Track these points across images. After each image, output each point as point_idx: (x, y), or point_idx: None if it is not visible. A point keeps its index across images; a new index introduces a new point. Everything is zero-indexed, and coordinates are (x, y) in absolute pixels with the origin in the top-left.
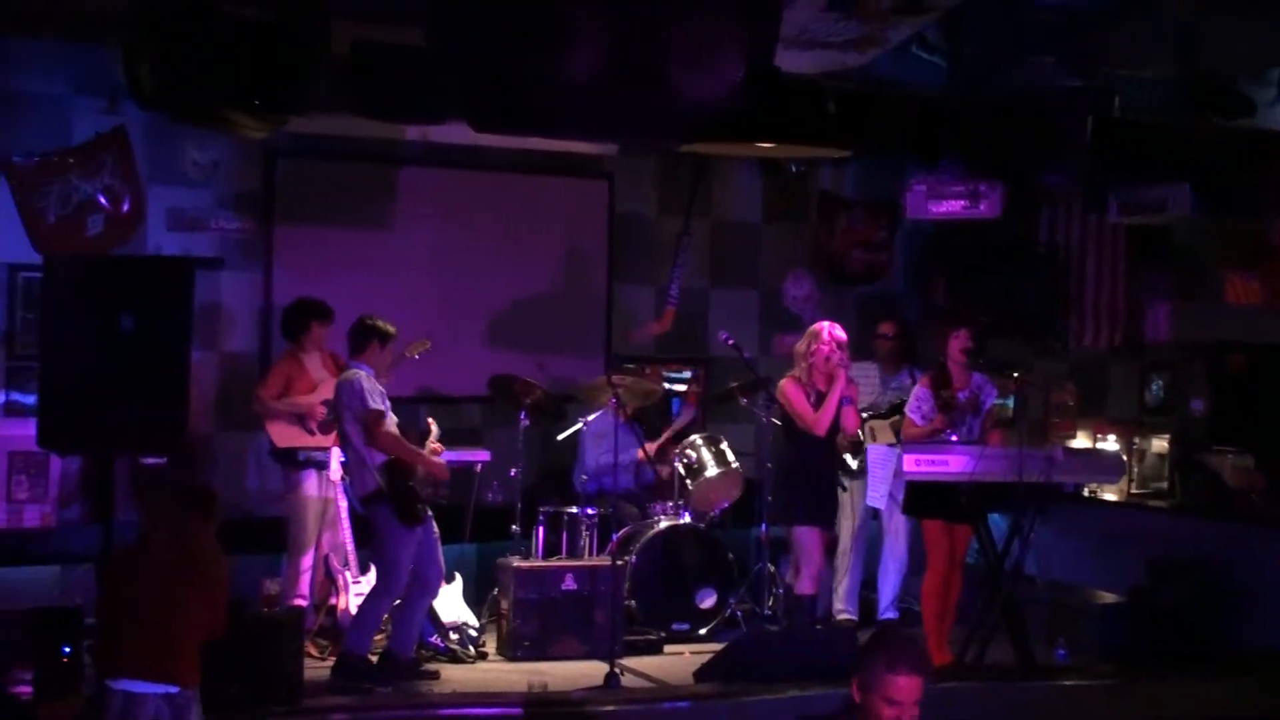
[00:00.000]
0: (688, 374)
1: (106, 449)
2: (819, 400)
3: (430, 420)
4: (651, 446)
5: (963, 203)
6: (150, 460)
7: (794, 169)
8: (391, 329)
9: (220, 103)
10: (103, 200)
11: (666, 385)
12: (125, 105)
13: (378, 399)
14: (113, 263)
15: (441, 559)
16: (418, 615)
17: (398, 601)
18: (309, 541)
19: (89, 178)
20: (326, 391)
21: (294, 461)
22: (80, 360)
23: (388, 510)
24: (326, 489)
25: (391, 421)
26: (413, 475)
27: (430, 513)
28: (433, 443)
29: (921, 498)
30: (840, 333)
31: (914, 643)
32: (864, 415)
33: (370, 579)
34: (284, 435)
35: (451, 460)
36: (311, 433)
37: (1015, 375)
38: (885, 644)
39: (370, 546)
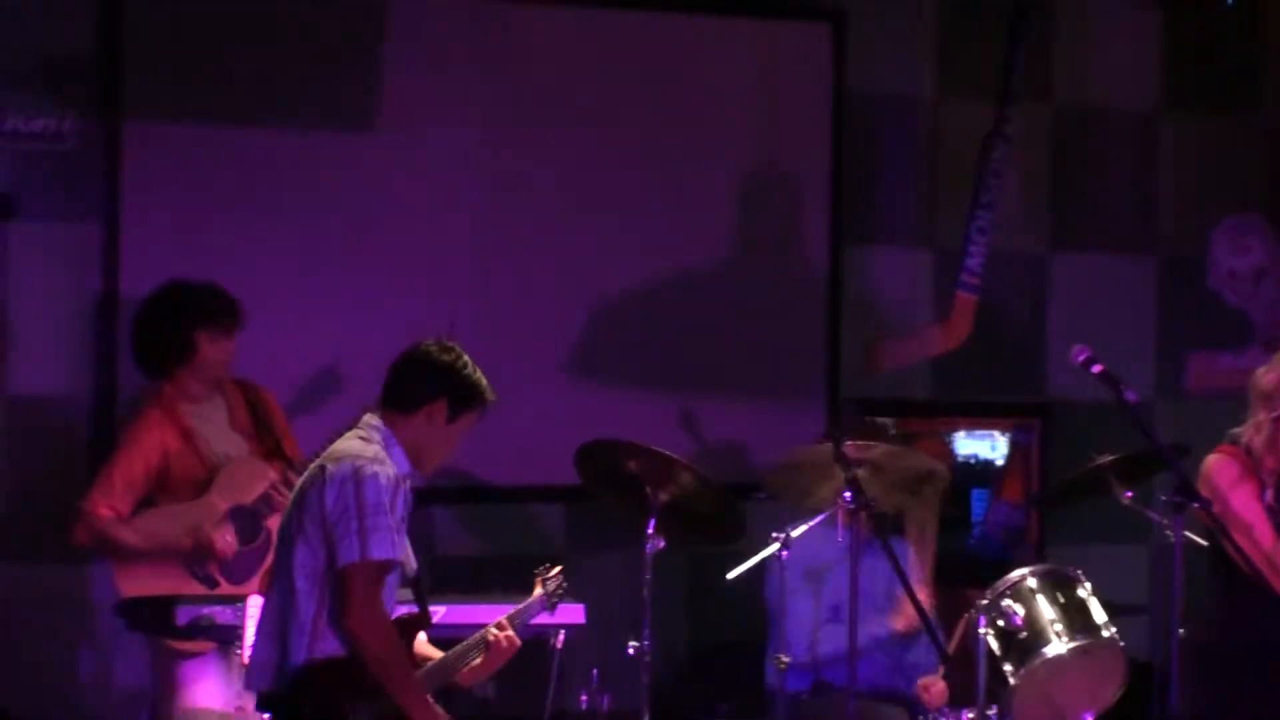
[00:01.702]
0: (1001, 438)
1: None
2: None
3: (551, 573)
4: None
5: None
6: None
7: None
8: (490, 397)
9: None
10: None
11: (964, 459)
12: None
13: (397, 528)
14: None
15: None
16: None
17: None
18: None
19: None
20: (246, 482)
21: (171, 630)
22: None
23: None
24: (242, 689)
25: (407, 567)
26: (370, 694)
27: None
28: (533, 606)
29: None
30: None
31: None
32: None
33: None
34: (143, 579)
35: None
36: (209, 579)
37: None
38: None
39: None
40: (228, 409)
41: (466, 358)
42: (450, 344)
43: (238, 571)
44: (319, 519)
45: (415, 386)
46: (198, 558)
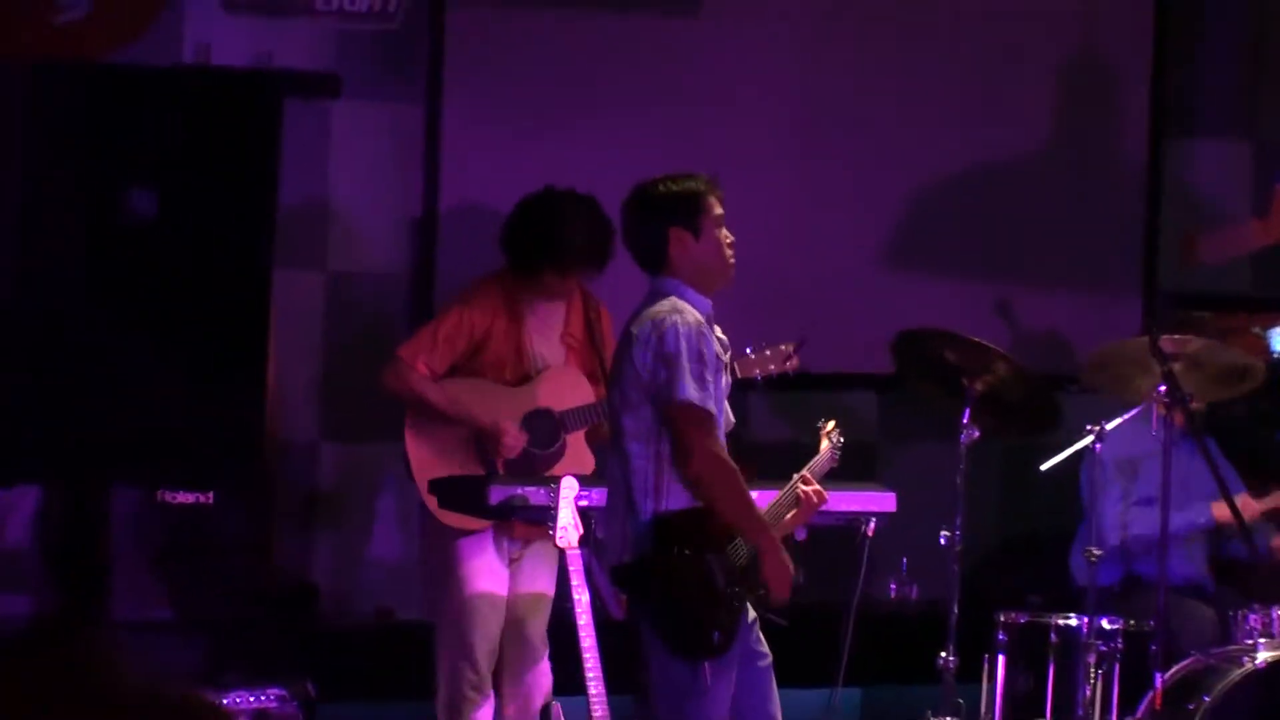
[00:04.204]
0: None
1: (94, 476)
2: None
3: (828, 427)
4: (1264, 503)
5: None
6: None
7: None
8: (703, 186)
9: None
10: None
11: (1277, 354)
12: None
13: (700, 373)
14: (110, 79)
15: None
16: None
17: None
18: (481, 683)
19: None
20: (565, 391)
21: (483, 509)
22: (47, 291)
23: (648, 622)
24: (531, 571)
25: (724, 426)
26: (719, 544)
27: (755, 630)
28: (822, 460)
29: None
30: None
31: None
32: None
33: None
34: (430, 455)
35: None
36: (488, 464)
37: None
38: None
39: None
40: (565, 316)
41: (660, 179)
42: (646, 182)
43: (520, 471)
44: (637, 381)
45: (647, 237)
46: (486, 440)
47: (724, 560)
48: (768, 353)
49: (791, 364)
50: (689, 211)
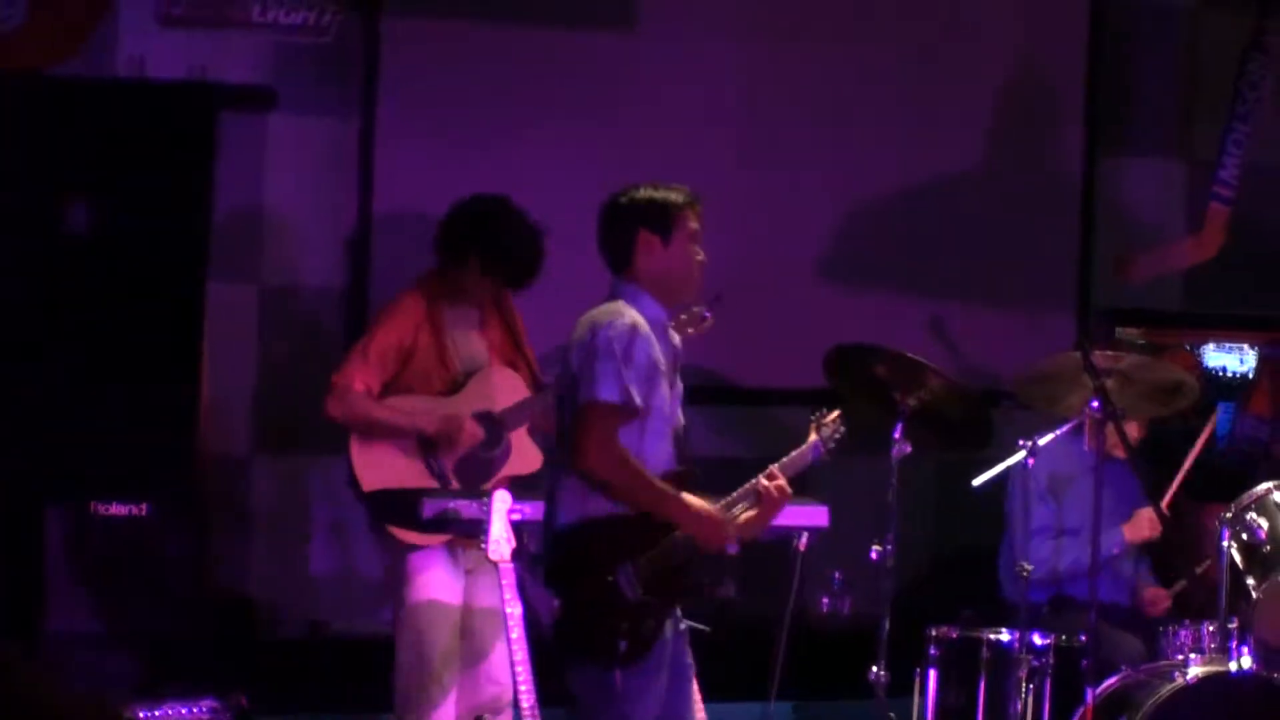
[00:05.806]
0: (1250, 351)
1: (28, 489)
2: None
3: (829, 417)
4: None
5: None
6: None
7: None
8: (682, 199)
9: None
10: None
11: (1212, 371)
12: None
13: (618, 372)
14: (45, 90)
15: None
16: None
17: None
18: (436, 689)
19: None
20: (498, 392)
21: (416, 523)
22: None
23: (565, 630)
24: (488, 584)
25: (663, 433)
26: (638, 550)
27: (679, 636)
28: (801, 455)
29: None
30: None
31: None
32: None
33: None
34: (379, 468)
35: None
36: (443, 477)
37: None
38: None
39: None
40: (481, 314)
41: (643, 184)
42: (629, 186)
43: (471, 475)
44: (573, 381)
45: (616, 237)
46: (441, 442)
47: (642, 567)
48: (683, 317)
49: (706, 324)
50: (661, 218)
